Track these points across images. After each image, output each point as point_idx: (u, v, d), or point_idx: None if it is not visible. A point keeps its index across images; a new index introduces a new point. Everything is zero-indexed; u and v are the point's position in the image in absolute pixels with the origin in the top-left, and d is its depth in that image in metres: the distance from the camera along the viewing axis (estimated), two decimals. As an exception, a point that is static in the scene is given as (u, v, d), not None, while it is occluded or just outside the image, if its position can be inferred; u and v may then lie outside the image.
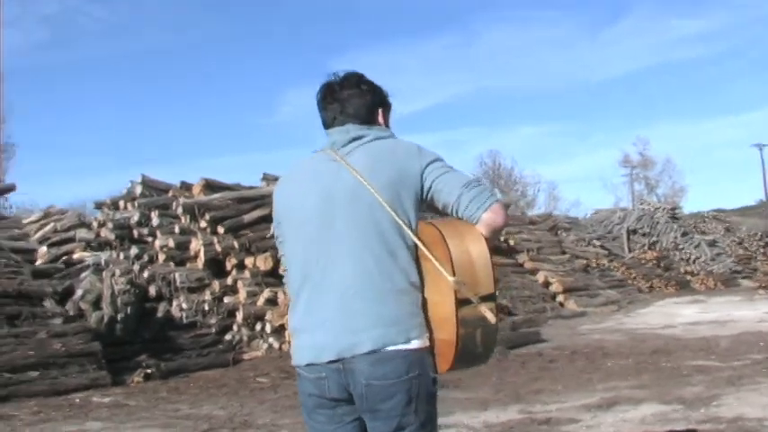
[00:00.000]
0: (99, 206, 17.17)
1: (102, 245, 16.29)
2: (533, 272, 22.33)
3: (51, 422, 8.87)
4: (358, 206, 2.81)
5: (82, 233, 16.65)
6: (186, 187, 16.37)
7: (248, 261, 14.80)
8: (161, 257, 15.30)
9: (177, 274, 15.02)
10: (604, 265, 26.53)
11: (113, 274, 15.57)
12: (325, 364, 2.79)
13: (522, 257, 22.77)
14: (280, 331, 14.12)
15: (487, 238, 2.75)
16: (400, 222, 2.77)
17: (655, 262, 29.93)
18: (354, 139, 2.95)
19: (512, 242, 22.91)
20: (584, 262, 25.26)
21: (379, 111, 3.05)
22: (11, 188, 15.99)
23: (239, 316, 14.40)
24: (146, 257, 15.45)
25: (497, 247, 22.00)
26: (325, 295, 2.82)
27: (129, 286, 15.17)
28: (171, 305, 14.94)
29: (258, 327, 14.33)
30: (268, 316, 14.20)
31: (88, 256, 16.06)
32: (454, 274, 2.63)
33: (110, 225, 16.01)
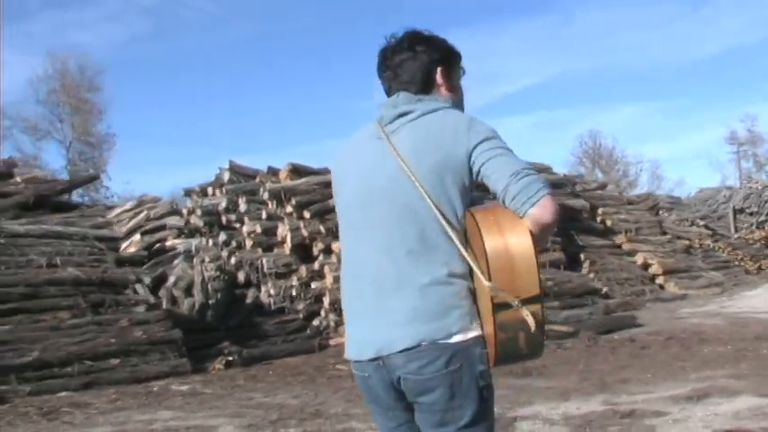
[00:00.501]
0: (188, 193, 17.18)
1: (192, 232, 16.28)
2: (631, 253, 21.49)
3: (126, 410, 8.78)
4: (397, 194, 2.62)
5: (172, 221, 16.69)
6: (273, 173, 16.23)
7: (335, 246, 14.54)
8: (248, 243, 15.18)
9: (264, 260, 14.90)
10: (708, 245, 25.39)
11: (203, 261, 15.61)
12: (367, 361, 2.65)
13: (619, 238, 21.96)
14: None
15: (535, 234, 2.46)
16: (440, 213, 2.54)
17: (763, 242, 28.60)
18: (401, 115, 2.71)
19: (609, 222, 22.15)
20: (687, 243, 24.20)
21: (438, 70, 2.77)
22: (94, 177, 16.19)
23: (326, 301, 14.20)
24: (234, 244, 15.37)
25: (591, 227, 21.34)
26: (364, 287, 2.67)
27: (218, 273, 15.21)
28: (260, 291, 14.86)
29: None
30: (355, 301, 13.93)
31: (180, 244, 16.10)
32: (489, 274, 2.39)
33: (198, 212, 15.97)
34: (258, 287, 14.86)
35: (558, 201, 2.53)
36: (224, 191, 16.00)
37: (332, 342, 13.69)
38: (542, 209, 2.46)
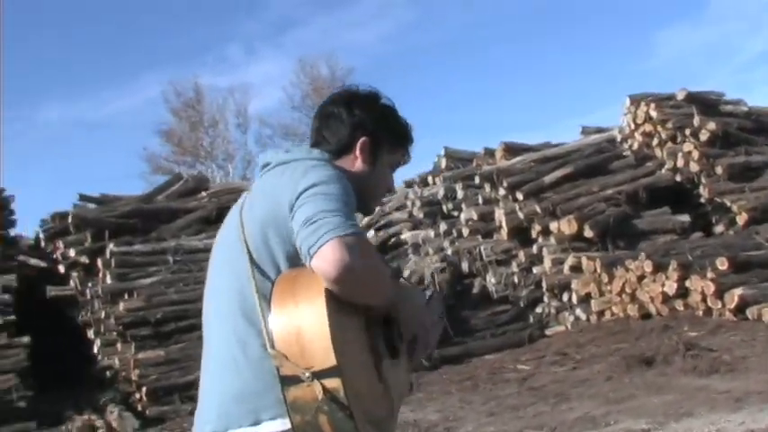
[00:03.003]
0: (409, 184, 16.25)
1: (420, 223, 15.39)
2: None
3: None
4: (229, 255, 2.25)
5: (397, 214, 15.88)
6: (490, 154, 14.87)
7: (553, 226, 12.97)
8: (465, 231, 13.99)
9: (482, 247, 13.66)
10: None
11: (427, 253, 14.73)
12: None
13: None
14: (586, 301, 12.21)
15: (340, 292, 1.95)
16: (255, 276, 2.12)
17: None
18: (274, 165, 2.33)
19: None
20: None
21: (361, 140, 2.37)
22: None
23: (544, 286, 12.71)
24: (455, 233, 14.25)
25: None
26: (205, 360, 2.31)
27: (443, 264, 14.26)
28: (485, 280, 13.69)
29: (565, 297, 12.54)
30: (573, 285, 12.34)
31: (410, 237, 15.31)
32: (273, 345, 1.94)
33: (417, 203, 15.02)
34: (484, 276, 13.70)
35: (357, 244, 1.97)
36: (442, 178, 14.88)
37: (548, 332, 12.21)
38: (320, 259, 1.94)
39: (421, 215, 15.03)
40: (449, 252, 14.03)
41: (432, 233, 14.76)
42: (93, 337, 10.72)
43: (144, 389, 9.57)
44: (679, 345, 8.65)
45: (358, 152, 2.37)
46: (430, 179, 15.37)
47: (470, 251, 13.88)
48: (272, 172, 2.29)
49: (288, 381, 1.89)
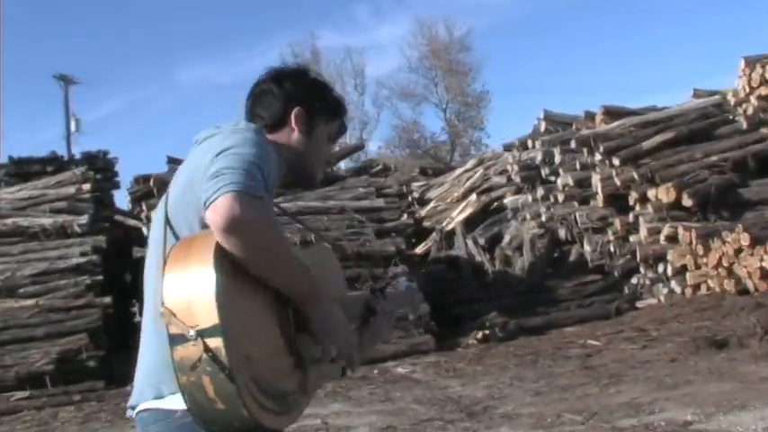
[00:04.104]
0: (508, 148, 15.63)
1: (521, 188, 14.84)
2: None
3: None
4: (156, 228, 2.19)
5: (497, 178, 15.36)
6: (590, 117, 14.09)
7: (650, 193, 12.18)
8: (561, 197, 13.36)
9: (578, 214, 13.03)
10: None
11: (524, 219, 14.22)
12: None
13: None
14: (682, 273, 11.42)
15: (228, 246, 1.84)
16: (166, 241, 2.04)
17: None
18: (202, 140, 2.21)
19: None
20: None
21: (295, 110, 2.30)
22: (359, 147, 15.24)
23: (638, 256, 11.99)
24: (551, 198, 13.65)
25: None
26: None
27: (540, 230, 13.74)
28: (582, 248, 13.09)
29: (660, 269, 11.78)
30: (669, 256, 11.57)
31: (510, 201, 14.82)
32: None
33: (515, 168, 14.44)
34: (581, 243, 13.10)
35: (253, 201, 1.85)
36: (540, 142, 14.21)
37: (639, 304, 11.50)
38: (212, 210, 1.84)
39: (518, 179, 14.49)
40: (543, 218, 13.49)
41: (530, 198, 14.23)
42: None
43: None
44: (757, 327, 7.90)
45: (293, 122, 2.30)
46: (529, 143, 14.72)
47: (566, 218, 13.28)
48: (200, 146, 2.20)
49: (175, 340, 1.79)
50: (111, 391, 9.07)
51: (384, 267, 10.71)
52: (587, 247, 12.80)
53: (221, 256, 1.83)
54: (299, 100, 2.33)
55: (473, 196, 15.70)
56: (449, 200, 16.33)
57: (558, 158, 13.65)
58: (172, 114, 64.85)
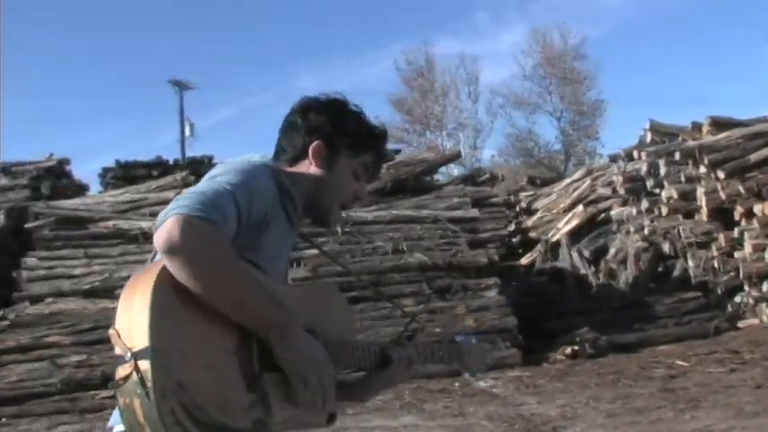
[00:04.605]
0: (613, 159, 15.25)
1: (627, 200, 14.49)
2: None
3: (364, 414, 7.80)
4: None
5: (602, 189, 15.04)
6: (697, 128, 13.61)
7: (756, 208, 11.69)
8: (664, 210, 12.98)
9: (681, 228, 12.62)
10: None
11: (628, 232, 13.90)
12: None
13: None
14: (787, 294, 10.94)
15: (171, 269, 1.83)
16: None
17: None
18: None
19: None
20: None
21: (315, 143, 2.25)
22: (456, 156, 15.04)
23: (741, 274, 11.52)
24: (656, 211, 13.28)
25: None
26: None
27: (645, 243, 13.40)
28: (687, 263, 12.68)
29: (765, 287, 11.29)
30: (772, 275, 11.10)
31: (615, 213, 14.50)
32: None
33: (620, 179, 14.10)
34: (685, 258, 12.70)
35: (200, 227, 1.82)
36: (646, 154, 13.82)
37: (740, 324, 11.05)
38: (156, 234, 1.84)
39: (622, 191, 14.15)
40: (645, 231, 13.13)
41: (634, 211, 13.87)
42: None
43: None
44: None
45: (311, 156, 2.25)
46: (635, 154, 14.34)
47: (669, 231, 12.89)
48: None
49: (118, 360, 1.78)
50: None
51: (476, 278, 10.63)
52: (691, 263, 12.39)
53: (168, 280, 1.82)
54: (320, 133, 2.27)
55: (579, 207, 15.43)
56: (555, 210, 16.11)
57: (663, 170, 13.25)
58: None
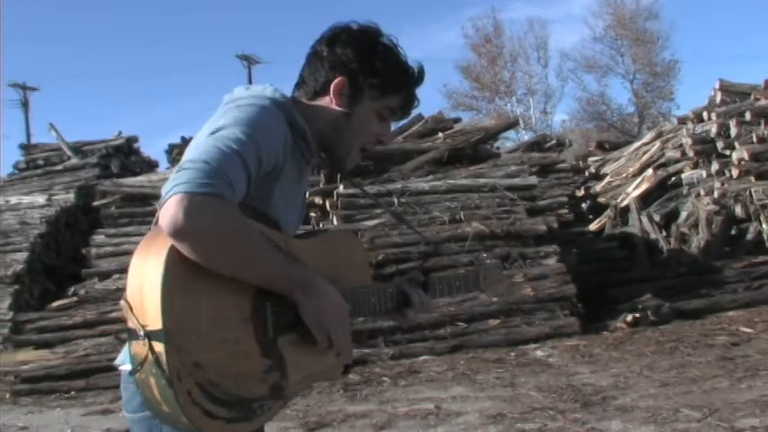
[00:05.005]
0: (682, 121, 14.71)
1: (696, 163, 14.00)
2: None
3: (439, 382, 7.68)
4: None
5: (670, 152, 14.55)
6: (771, 86, 13.03)
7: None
8: (735, 172, 12.50)
9: (753, 190, 12.15)
10: None
11: (698, 195, 13.46)
12: None
13: None
14: None
15: (180, 249, 1.73)
16: None
17: None
18: (221, 105, 2.08)
19: None
20: None
21: (337, 80, 2.09)
22: (514, 124, 14.63)
23: (817, 237, 11.06)
24: (727, 173, 12.80)
25: None
26: None
27: (716, 206, 12.96)
28: (761, 225, 12.22)
29: None
30: None
31: (686, 177, 14.04)
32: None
33: (689, 141, 13.61)
34: (759, 221, 12.24)
35: (205, 205, 1.71)
36: (716, 114, 13.30)
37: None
38: (162, 214, 1.71)
39: (691, 153, 13.66)
40: (715, 194, 12.67)
41: (704, 173, 13.40)
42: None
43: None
44: None
45: (332, 94, 2.10)
46: (705, 115, 13.82)
47: (740, 194, 12.42)
48: (216, 112, 2.05)
49: (131, 334, 1.74)
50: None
51: (535, 246, 10.40)
52: (764, 226, 11.93)
53: (178, 256, 1.73)
54: (345, 69, 2.11)
55: (649, 171, 14.97)
56: (624, 175, 15.69)
57: (733, 131, 12.75)
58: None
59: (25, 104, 38.25)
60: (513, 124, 14.35)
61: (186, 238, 1.71)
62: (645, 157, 15.51)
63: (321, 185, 11.23)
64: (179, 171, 1.76)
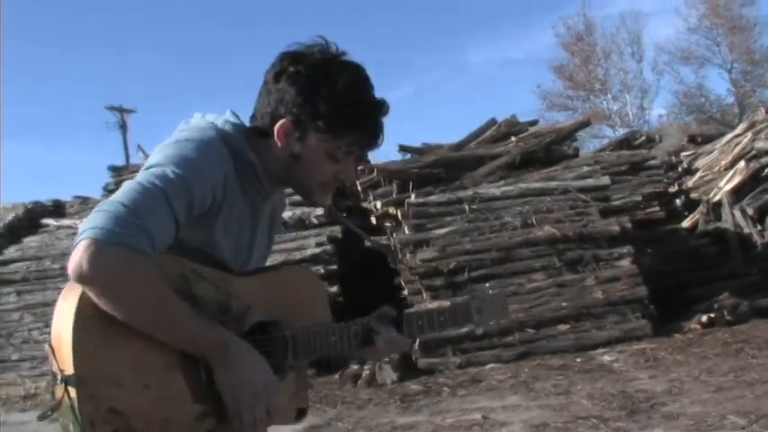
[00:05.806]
0: (769, 110, 14.09)
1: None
2: None
3: (498, 390, 7.67)
4: None
5: (760, 143, 13.99)
6: None
7: None
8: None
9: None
10: None
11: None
12: None
13: None
14: None
15: (91, 294, 1.68)
16: None
17: None
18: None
19: None
20: None
21: (281, 122, 1.94)
22: (585, 124, 14.21)
23: None
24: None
25: None
26: None
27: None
28: None
29: None
30: None
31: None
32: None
33: (764, 133, 13.09)
34: None
35: (114, 255, 1.65)
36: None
37: None
38: (71, 257, 1.65)
39: (765, 146, 13.14)
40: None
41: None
42: (402, 285, 10.69)
43: (418, 340, 9.55)
44: None
45: (276, 136, 1.95)
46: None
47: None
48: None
49: (54, 377, 1.72)
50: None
51: (609, 248, 10.22)
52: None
53: (93, 303, 1.69)
54: (288, 110, 1.94)
55: (741, 163, 14.45)
56: (716, 168, 15.18)
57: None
58: (461, 96, 65.43)
59: (123, 126, 39.73)
60: (585, 124, 14.06)
61: (87, 286, 1.66)
62: (736, 150, 14.98)
63: (394, 195, 11.31)
64: (97, 212, 1.69)
